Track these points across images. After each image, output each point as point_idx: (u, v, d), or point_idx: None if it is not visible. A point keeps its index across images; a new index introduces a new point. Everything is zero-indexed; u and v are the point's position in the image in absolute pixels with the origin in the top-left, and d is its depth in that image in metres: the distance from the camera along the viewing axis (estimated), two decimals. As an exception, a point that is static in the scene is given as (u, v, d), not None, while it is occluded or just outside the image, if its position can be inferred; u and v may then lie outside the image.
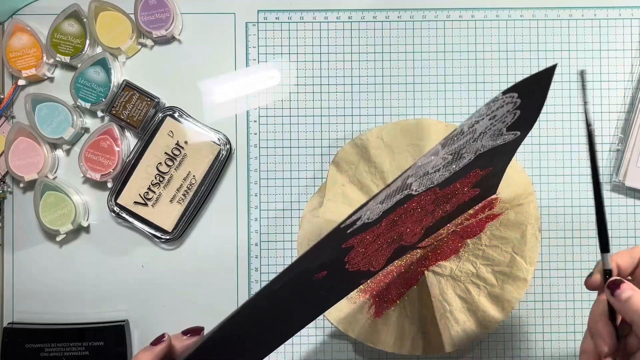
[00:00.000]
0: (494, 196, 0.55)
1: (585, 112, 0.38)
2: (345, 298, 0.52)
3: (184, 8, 0.57)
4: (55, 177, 0.57)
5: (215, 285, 0.57)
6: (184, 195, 0.56)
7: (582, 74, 0.39)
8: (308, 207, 0.57)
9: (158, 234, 0.56)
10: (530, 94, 0.38)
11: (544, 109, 0.58)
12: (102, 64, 0.55)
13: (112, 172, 0.55)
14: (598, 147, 0.58)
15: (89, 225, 0.57)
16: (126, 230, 0.57)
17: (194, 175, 0.56)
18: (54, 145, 0.57)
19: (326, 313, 0.55)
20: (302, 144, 0.58)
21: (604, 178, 0.58)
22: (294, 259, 0.57)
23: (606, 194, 0.58)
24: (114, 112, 0.56)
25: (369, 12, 0.58)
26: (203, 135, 0.56)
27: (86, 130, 0.57)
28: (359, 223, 0.37)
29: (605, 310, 0.38)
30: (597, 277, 0.39)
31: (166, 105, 0.57)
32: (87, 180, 0.57)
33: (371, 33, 0.58)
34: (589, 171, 0.58)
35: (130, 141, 0.57)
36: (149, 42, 0.57)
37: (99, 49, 0.57)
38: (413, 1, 0.58)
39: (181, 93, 0.57)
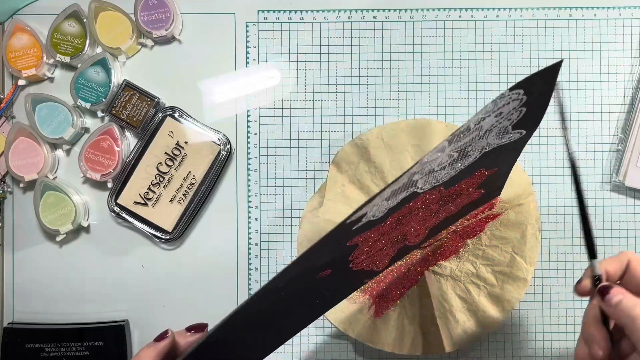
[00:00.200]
0: None
1: (566, 141, 0.39)
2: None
3: (184, 8, 0.57)
4: (55, 177, 0.57)
5: (215, 286, 0.57)
6: (184, 195, 0.56)
7: (560, 103, 0.39)
8: (308, 207, 0.57)
9: (158, 234, 0.56)
10: (536, 91, 0.38)
11: (544, 109, 0.58)
12: (102, 64, 0.55)
13: (112, 172, 0.55)
14: (599, 147, 0.58)
15: (89, 225, 0.57)
16: (126, 230, 0.57)
17: (194, 175, 0.56)
18: (54, 145, 0.57)
19: (326, 313, 0.55)
20: (302, 144, 0.58)
21: (604, 178, 0.58)
22: (294, 259, 0.57)
23: (606, 194, 0.58)
24: (114, 112, 0.56)
25: (369, 12, 0.58)
26: (203, 135, 0.56)
27: (86, 130, 0.57)
28: (364, 220, 0.37)
29: (597, 315, 0.38)
30: (587, 283, 0.39)
31: (166, 105, 0.57)
32: (87, 180, 0.57)
33: (371, 33, 0.58)
34: (588, 171, 0.58)
35: (130, 141, 0.57)
36: (149, 42, 0.57)
37: (99, 49, 0.57)
38: (413, 1, 0.58)
39: (181, 93, 0.57)
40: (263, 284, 0.57)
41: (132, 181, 0.56)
